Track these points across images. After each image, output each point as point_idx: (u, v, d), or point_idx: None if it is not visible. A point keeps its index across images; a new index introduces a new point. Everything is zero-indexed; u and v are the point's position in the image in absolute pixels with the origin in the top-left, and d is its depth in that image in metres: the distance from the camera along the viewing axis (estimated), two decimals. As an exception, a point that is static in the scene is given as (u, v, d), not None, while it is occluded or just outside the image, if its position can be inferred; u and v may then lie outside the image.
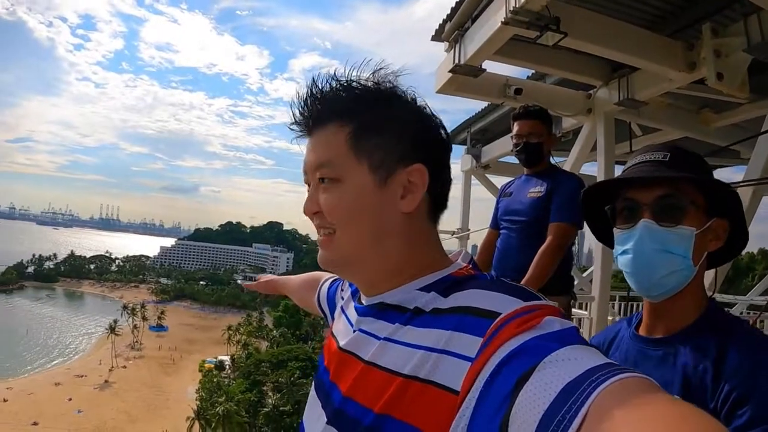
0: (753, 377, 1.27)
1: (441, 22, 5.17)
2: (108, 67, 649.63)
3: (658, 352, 1.51)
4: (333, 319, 1.47)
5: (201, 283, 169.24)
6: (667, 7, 4.68)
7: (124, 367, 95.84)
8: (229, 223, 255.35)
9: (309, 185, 1.13)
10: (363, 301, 1.17)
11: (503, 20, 4.02)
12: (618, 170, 6.38)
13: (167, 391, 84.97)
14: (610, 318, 6.67)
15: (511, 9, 3.93)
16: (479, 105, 8.92)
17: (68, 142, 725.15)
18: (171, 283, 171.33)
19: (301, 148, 1.15)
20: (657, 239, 1.47)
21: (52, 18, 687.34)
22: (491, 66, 5.29)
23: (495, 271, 4.04)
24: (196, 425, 61.97)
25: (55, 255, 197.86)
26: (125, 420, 73.54)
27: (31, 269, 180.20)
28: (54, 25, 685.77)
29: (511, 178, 4.41)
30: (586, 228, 4.11)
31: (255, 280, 2.54)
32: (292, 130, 1.14)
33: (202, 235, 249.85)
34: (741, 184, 4.91)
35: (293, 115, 1.12)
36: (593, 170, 7.04)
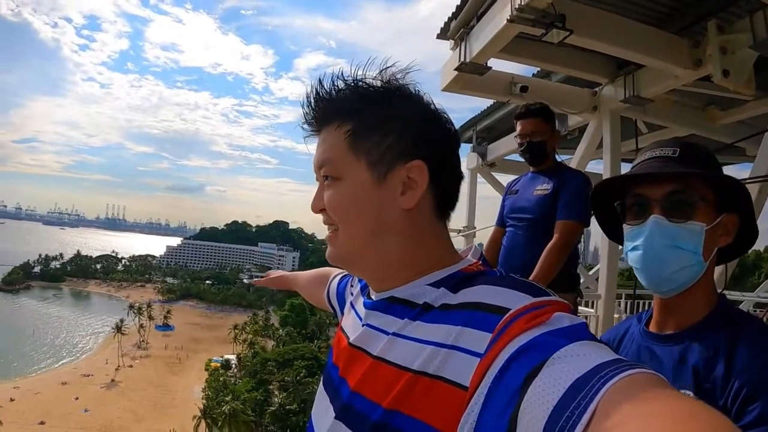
0: (763, 374, 1.26)
1: (446, 20, 5.17)
2: (113, 68, 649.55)
3: (669, 349, 1.50)
4: (342, 314, 1.47)
5: (207, 282, 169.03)
6: (672, 4, 4.68)
7: (131, 366, 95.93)
8: (235, 223, 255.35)
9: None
10: (372, 297, 1.18)
11: (509, 18, 4.03)
12: (624, 168, 6.41)
13: (173, 390, 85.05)
14: (616, 316, 6.67)
15: (517, 6, 3.93)
16: (484, 103, 8.92)
17: (74, 142, 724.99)
18: (177, 283, 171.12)
19: (310, 147, 1.16)
20: (667, 235, 1.46)
21: (57, 19, 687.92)
22: (497, 64, 5.27)
23: (501, 268, 4.04)
24: (203, 424, 62.14)
25: (61, 255, 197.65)
26: (132, 419, 73.63)
27: (37, 269, 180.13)
28: (59, 26, 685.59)
29: (517, 176, 4.41)
30: (591, 226, 4.11)
31: (266, 276, 2.55)
32: (303, 129, 1.16)
33: (207, 234, 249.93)
34: (747, 181, 4.91)
35: (303, 114, 1.14)
36: (599, 168, 7.03)
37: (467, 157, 9.69)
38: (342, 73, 1.11)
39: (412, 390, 0.90)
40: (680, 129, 6.76)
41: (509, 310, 0.85)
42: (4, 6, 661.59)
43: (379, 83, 1.10)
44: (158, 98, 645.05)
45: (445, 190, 1.10)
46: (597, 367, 0.67)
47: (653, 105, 5.89)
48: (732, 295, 10.59)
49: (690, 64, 4.71)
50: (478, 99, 7.00)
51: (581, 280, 4.38)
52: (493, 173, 9.84)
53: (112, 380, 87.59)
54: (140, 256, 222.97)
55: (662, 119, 6.64)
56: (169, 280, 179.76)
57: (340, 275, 1.79)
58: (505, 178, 8.69)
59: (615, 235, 1.78)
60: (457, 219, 9.93)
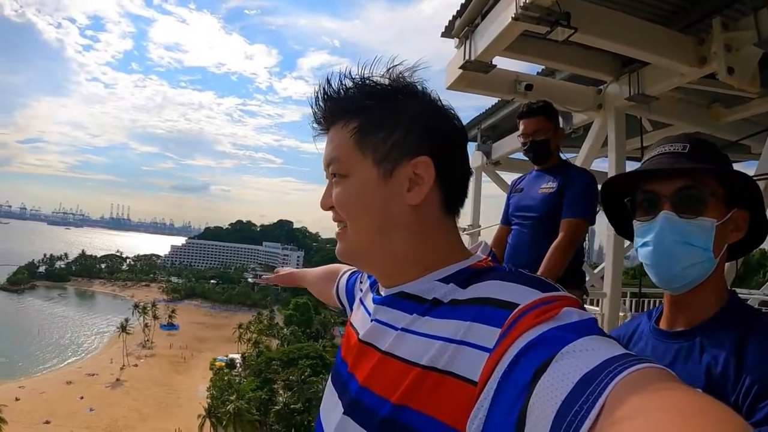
0: None
1: (451, 18, 5.17)
2: (117, 68, 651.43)
3: (679, 346, 1.49)
4: (351, 311, 1.47)
5: (212, 281, 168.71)
6: (677, 1, 4.68)
7: (136, 365, 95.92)
8: (239, 222, 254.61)
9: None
10: (381, 292, 1.18)
11: (513, 16, 4.03)
12: (629, 166, 6.40)
13: (178, 389, 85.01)
14: (621, 314, 6.65)
15: (522, 4, 3.93)
16: (489, 101, 8.93)
17: (78, 142, 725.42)
18: (182, 282, 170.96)
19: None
20: (677, 231, 1.46)
21: (60, 19, 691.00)
22: (501, 62, 5.27)
23: (508, 265, 4.03)
24: (207, 423, 62.04)
25: (66, 255, 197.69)
26: (136, 418, 73.65)
27: (42, 269, 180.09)
28: (63, 27, 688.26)
29: (521, 174, 4.41)
30: (596, 224, 4.10)
31: (275, 273, 2.56)
32: (312, 128, 1.17)
33: (212, 233, 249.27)
34: (753, 178, 4.90)
35: (312, 113, 1.16)
36: (604, 166, 7.02)
37: (471, 156, 9.66)
38: (349, 72, 1.11)
39: (420, 385, 0.90)
40: (685, 126, 6.72)
41: (518, 305, 0.86)
42: (7, 7, 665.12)
43: (386, 81, 1.11)
44: (162, 98, 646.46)
45: (452, 186, 1.11)
46: (606, 362, 0.67)
47: (658, 103, 5.87)
48: (737, 293, 10.58)
49: (695, 61, 4.71)
50: (483, 97, 6.99)
51: (586, 278, 4.38)
52: (497, 172, 9.83)
53: (117, 379, 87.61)
54: (145, 255, 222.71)
55: (667, 117, 6.62)
56: (174, 279, 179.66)
57: (350, 271, 1.80)
58: (509, 177, 8.67)
59: (625, 232, 1.76)
60: (462, 217, 9.90)
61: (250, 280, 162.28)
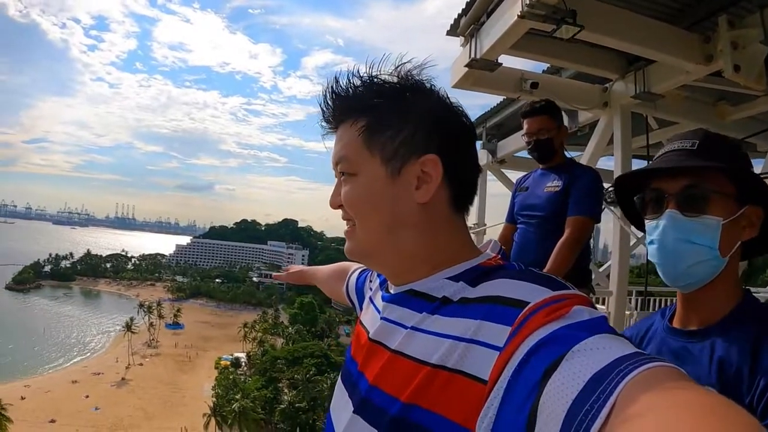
0: None
1: (456, 16, 5.17)
2: (122, 68, 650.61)
3: (693, 345, 1.48)
4: (361, 309, 1.47)
5: (217, 280, 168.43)
6: (683, -1, 4.67)
7: (141, 364, 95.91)
8: (244, 221, 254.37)
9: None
10: (391, 290, 1.18)
11: (519, 13, 4.03)
12: (635, 164, 6.39)
13: (183, 388, 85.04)
14: (627, 313, 6.66)
15: (528, 2, 3.94)
16: (494, 100, 8.93)
17: (83, 142, 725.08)
18: (187, 281, 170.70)
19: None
20: (681, 229, 1.45)
21: (65, 20, 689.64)
22: (507, 60, 5.28)
23: (515, 264, 4.03)
24: (213, 422, 62.16)
25: (71, 254, 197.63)
26: (142, 417, 73.68)
27: (47, 268, 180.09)
28: (67, 27, 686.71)
29: (526, 172, 4.40)
30: (601, 223, 4.09)
31: (285, 271, 2.56)
32: (321, 127, 1.17)
33: (217, 233, 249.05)
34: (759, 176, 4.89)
35: (321, 112, 1.16)
36: (610, 164, 7.02)
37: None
38: (357, 71, 1.11)
39: (430, 384, 0.90)
40: (691, 124, 6.70)
41: (528, 303, 0.85)
42: (12, 7, 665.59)
43: (394, 79, 1.11)
44: (167, 97, 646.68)
45: (460, 184, 1.10)
46: (616, 361, 0.67)
47: (664, 101, 5.88)
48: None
49: (701, 59, 4.71)
50: (488, 96, 7.00)
51: (592, 277, 4.37)
52: (503, 170, 9.83)
53: (123, 378, 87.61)
54: (150, 255, 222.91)
55: (673, 115, 6.61)
56: (179, 278, 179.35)
57: (360, 270, 1.79)
58: (515, 175, 8.68)
59: (643, 227, 1.72)
60: (468, 216, 9.97)
61: (255, 279, 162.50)
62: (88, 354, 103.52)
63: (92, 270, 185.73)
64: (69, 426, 68.77)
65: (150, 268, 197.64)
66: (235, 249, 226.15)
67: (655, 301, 10.22)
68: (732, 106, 6.58)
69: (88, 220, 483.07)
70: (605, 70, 5.88)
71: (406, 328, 1.04)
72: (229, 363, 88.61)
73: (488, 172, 9.93)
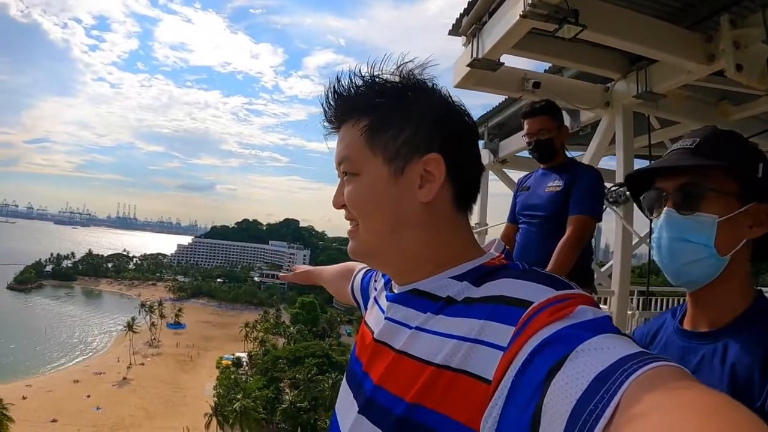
0: None
1: (458, 16, 5.17)
2: (123, 68, 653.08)
3: (704, 347, 1.45)
4: (366, 309, 1.47)
5: (218, 280, 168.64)
6: (685, -2, 4.67)
7: (142, 364, 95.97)
8: (246, 221, 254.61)
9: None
10: (394, 290, 1.18)
11: (522, 13, 4.03)
12: (637, 163, 6.39)
13: (185, 387, 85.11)
14: (629, 312, 6.65)
15: (530, 2, 3.94)
16: (495, 100, 8.92)
17: (85, 142, 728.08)
18: (188, 281, 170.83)
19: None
20: (675, 228, 1.45)
21: (66, 20, 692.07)
22: (509, 60, 5.28)
23: (518, 264, 4.02)
24: (214, 422, 62.25)
25: (73, 254, 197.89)
26: (143, 416, 73.74)
27: (49, 268, 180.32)
28: (69, 27, 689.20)
29: (527, 172, 4.41)
30: (603, 223, 4.08)
31: (291, 271, 2.56)
32: (324, 127, 1.17)
33: (218, 232, 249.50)
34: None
35: (323, 111, 1.16)
36: (612, 164, 7.01)
37: (479, 154, 9.68)
38: (359, 70, 1.11)
39: (435, 384, 0.90)
40: (693, 124, 6.71)
41: (532, 303, 0.85)
42: (13, 7, 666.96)
43: (396, 79, 1.11)
44: (168, 97, 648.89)
45: (463, 183, 1.10)
46: (620, 360, 0.67)
47: (666, 100, 5.88)
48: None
49: (703, 58, 4.70)
50: (489, 96, 7.00)
51: (594, 276, 4.37)
52: (504, 170, 9.83)
53: (124, 378, 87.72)
54: (151, 254, 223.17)
55: (675, 115, 6.61)
56: (180, 278, 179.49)
57: (364, 270, 1.79)
58: (516, 175, 8.69)
59: None
60: (471, 216, 9.99)
61: (256, 278, 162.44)
62: (90, 354, 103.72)
63: (94, 270, 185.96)
64: (70, 425, 68.89)
65: (151, 267, 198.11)
66: (236, 249, 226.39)
67: (656, 301, 10.23)
68: (734, 105, 6.58)
69: (89, 220, 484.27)
70: (607, 70, 5.88)
71: (410, 328, 1.04)
72: (230, 363, 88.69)
73: (490, 172, 9.92)
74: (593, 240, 4.14)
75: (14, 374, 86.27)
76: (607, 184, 5.49)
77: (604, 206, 3.94)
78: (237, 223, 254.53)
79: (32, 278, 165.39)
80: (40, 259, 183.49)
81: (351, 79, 1.11)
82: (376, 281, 1.51)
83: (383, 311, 1.20)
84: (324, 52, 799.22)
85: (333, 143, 1.16)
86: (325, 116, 1.15)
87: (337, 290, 2.08)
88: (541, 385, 0.71)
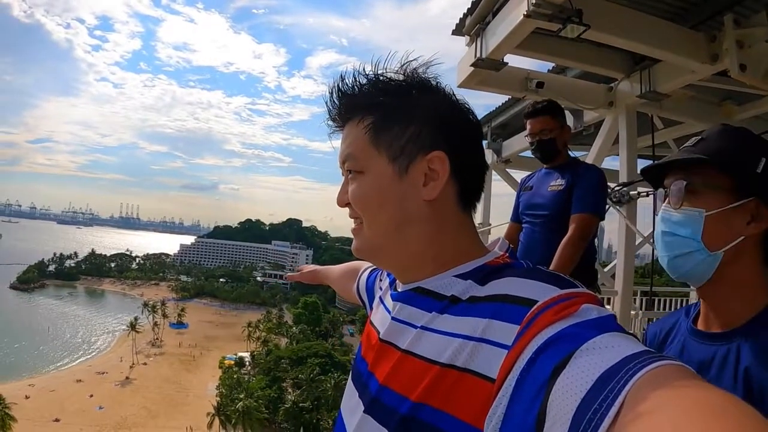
0: None
1: (461, 16, 5.17)
2: (126, 68, 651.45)
3: (716, 348, 1.43)
4: (372, 309, 1.47)
5: (221, 280, 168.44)
6: (689, -2, 4.67)
7: (145, 363, 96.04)
8: (249, 221, 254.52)
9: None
10: (399, 288, 1.18)
11: (525, 13, 4.03)
12: (641, 163, 6.39)
13: (187, 387, 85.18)
14: (632, 312, 6.65)
15: (534, 1, 3.95)
16: (499, 100, 8.93)
17: (88, 142, 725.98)
18: (191, 281, 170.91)
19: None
20: (667, 222, 1.48)
21: (69, 20, 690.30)
22: (512, 60, 5.29)
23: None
24: (216, 421, 62.26)
25: (75, 254, 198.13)
26: (146, 416, 73.82)
27: (52, 268, 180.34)
28: (72, 27, 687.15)
29: (530, 172, 4.41)
30: (606, 223, 4.07)
31: (298, 271, 2.57)
32: (328, 125, 1.18)
33: (221, 232, 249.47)
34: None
35: (327, 110, 1.16)
36: (615, 164, 7.01)
37: (482, 153, 9.69)
38: (363, 69, 1.12)
39: (440, 383, 0.91)
40: (696, 124, 6.72)
41: (537, 302, 0.85)
42: (17, 8, 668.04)
43: (400, 77, 1.11)
44: (171, 97, 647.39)
45: (467, 181, 1.11)
46: (625, 359, 0.67)
47: (669, 100, 5.88)
48: None
49: (707, 58, 4.70)
50: (492, 96, 7.01)
51: (597, 276, 4.37)
52: (508, 170, 9.82)
53: (127, 378, 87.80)
54: (154, 254, 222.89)
55: (678, 114, 6.61)
56: (183, 278, 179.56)
57: (370, 269, 1.80)
58: (520, 175, 8.68)
59: None
60: (475, 215, 10.01)
61: (259, 278, 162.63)
62: (93, 353, 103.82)
63: (96, 269, 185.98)
64: (73, 425, 68.99)
65: (154, 267, 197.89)
66: (239, 248, 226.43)
67: (660, 301, 10.21)
68: (738, 105, 6.58)
69: (92, 220, 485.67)
70: (611, 70, 5.88)
71: (415, 327, 1.04)
72: (233, 362, 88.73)
73: (493, 172, 9.91)
74: (596, 240, 4.14)
75: (17, 373, 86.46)
76: (611, 184, 5.49)
77: (608, 206, 3.93)
78: (240, 223, 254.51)
79: (35, 278, 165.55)
80: (43, 258, 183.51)
81: (355, 78, 1.11)
82: (381, 281, 1.51)
83: (389, 311, 1.19)
84: (327, 52, 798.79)
85: (337, 142, 1.16)
86: (330, 114, 1.15)
87: (344, 289, 2.08)
88: (546, 384, 0.71)
